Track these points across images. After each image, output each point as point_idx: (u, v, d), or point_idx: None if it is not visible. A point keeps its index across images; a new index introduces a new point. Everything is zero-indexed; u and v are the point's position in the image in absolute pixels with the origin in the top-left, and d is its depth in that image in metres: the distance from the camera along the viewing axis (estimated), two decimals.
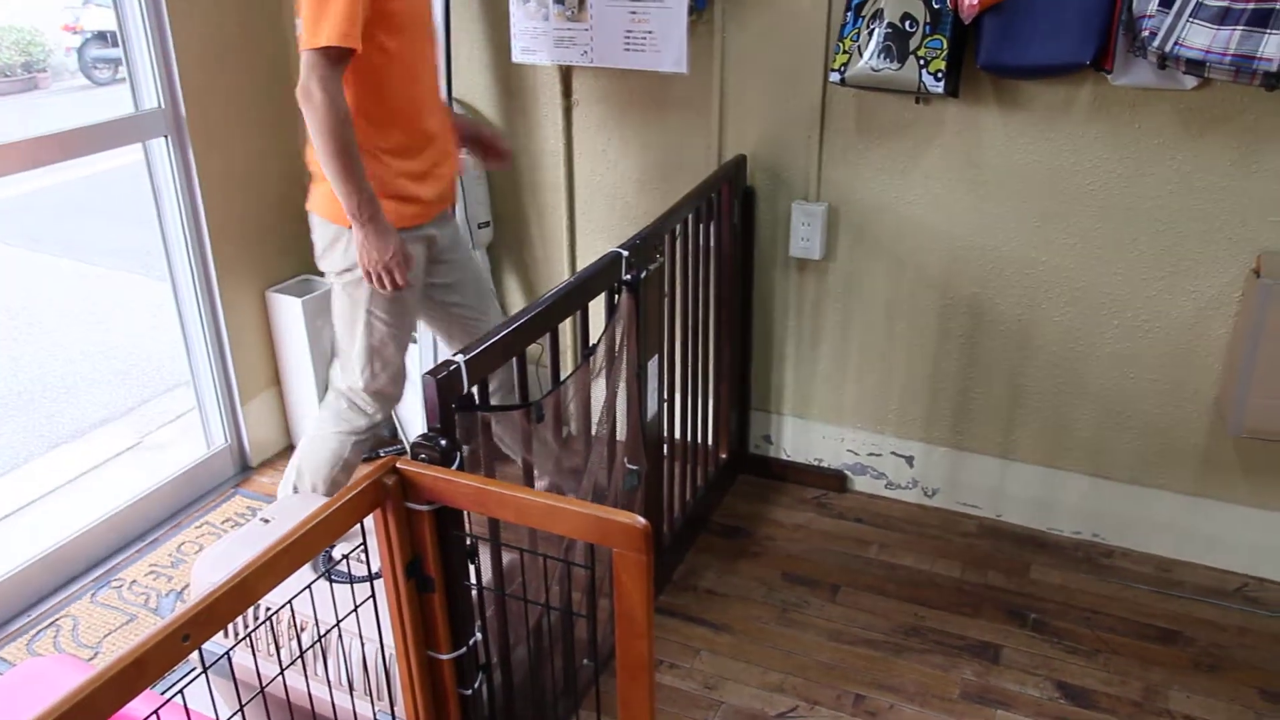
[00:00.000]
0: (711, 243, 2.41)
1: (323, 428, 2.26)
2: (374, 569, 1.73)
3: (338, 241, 2.11)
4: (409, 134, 2.07)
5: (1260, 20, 1.84)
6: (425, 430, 1.50)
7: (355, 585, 1.74)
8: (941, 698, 2.10)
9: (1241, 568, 2.48)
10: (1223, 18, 1.88)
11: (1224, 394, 2.29)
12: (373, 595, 1.53)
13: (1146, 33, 1.95)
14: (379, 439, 3.06)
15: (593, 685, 2.06)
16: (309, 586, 1.37)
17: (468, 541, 1.57)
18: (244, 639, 1.73)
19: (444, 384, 1.48)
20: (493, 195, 2.86)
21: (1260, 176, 2.12)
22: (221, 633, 1.89)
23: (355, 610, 1.50)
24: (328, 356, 2.92)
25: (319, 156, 1.91)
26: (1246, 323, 2.15)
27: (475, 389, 1.56)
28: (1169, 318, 2.31)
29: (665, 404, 2.22)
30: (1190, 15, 1.91)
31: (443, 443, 1.48)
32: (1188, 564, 2.51)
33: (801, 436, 2.78)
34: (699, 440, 2.57)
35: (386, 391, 2.24)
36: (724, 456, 2.75)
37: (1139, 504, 2.52)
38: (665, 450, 2.30)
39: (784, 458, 2.84)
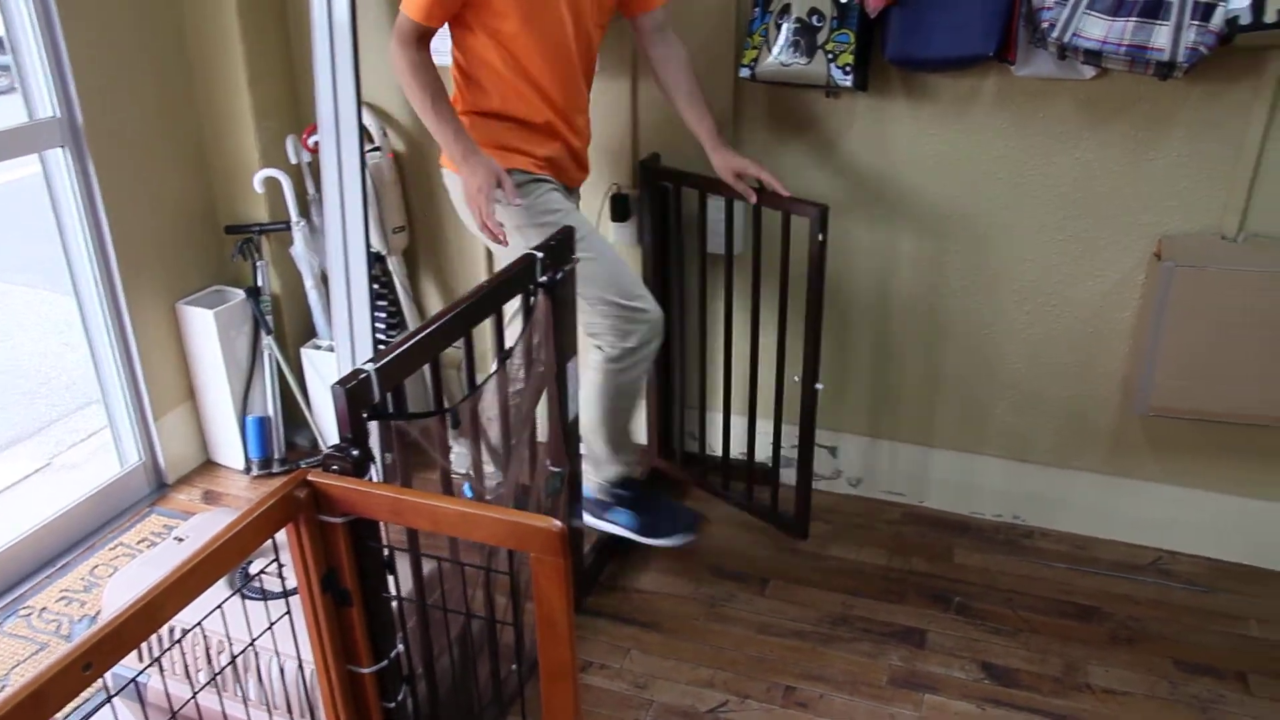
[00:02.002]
0: (630, 241, 2.40)
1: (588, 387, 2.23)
2: (292, 585, 1.70)
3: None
4: (517, 114, 2.10)
5: (1151, 12, 1.89)
6: (337, 441, 1.47)
7: (271, 602, 1.70)
8: (870, 685, 2.12)
9: (1154, 542, 2.55)
10: (1117, 9, 1.93)
11: (1131, 374, 2.35)
12: (288, 612, 1.50)
13: (1046, 24, 1.99)
14: (300, 452, 3.00)
15: (520, 692, 2.04)
16: (220, 606, 1.33)
17: (385, 552, 1.55)
18: (153, 664, 1.68)
19: (354, 393, 1.46)
20: (407, 198, 2.82)
21: (1158, 163, 2.18)
22: (137, 657, 1.84)
23: (271, 628, 1.46)
24: (244, 368, 2.85)
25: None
26: (1150, 305, 2.21)
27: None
28: (1077, 302, 2.37)
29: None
30: (1086, 7, 1.95)
31: (355, 453, 1.45)
32: (1104, 541, 2.58)
33: (730, 432, 2.79)
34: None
35: (638, 312, 2.14)
36: (654, 455, 2.75)
37: (1055, 485, 2.58)
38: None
39: (711, 454, 2.85)
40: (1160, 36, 1.90)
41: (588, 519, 2.39)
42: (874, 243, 2.45)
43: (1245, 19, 1.85)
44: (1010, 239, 2.35)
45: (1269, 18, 1.84)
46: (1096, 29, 1.94)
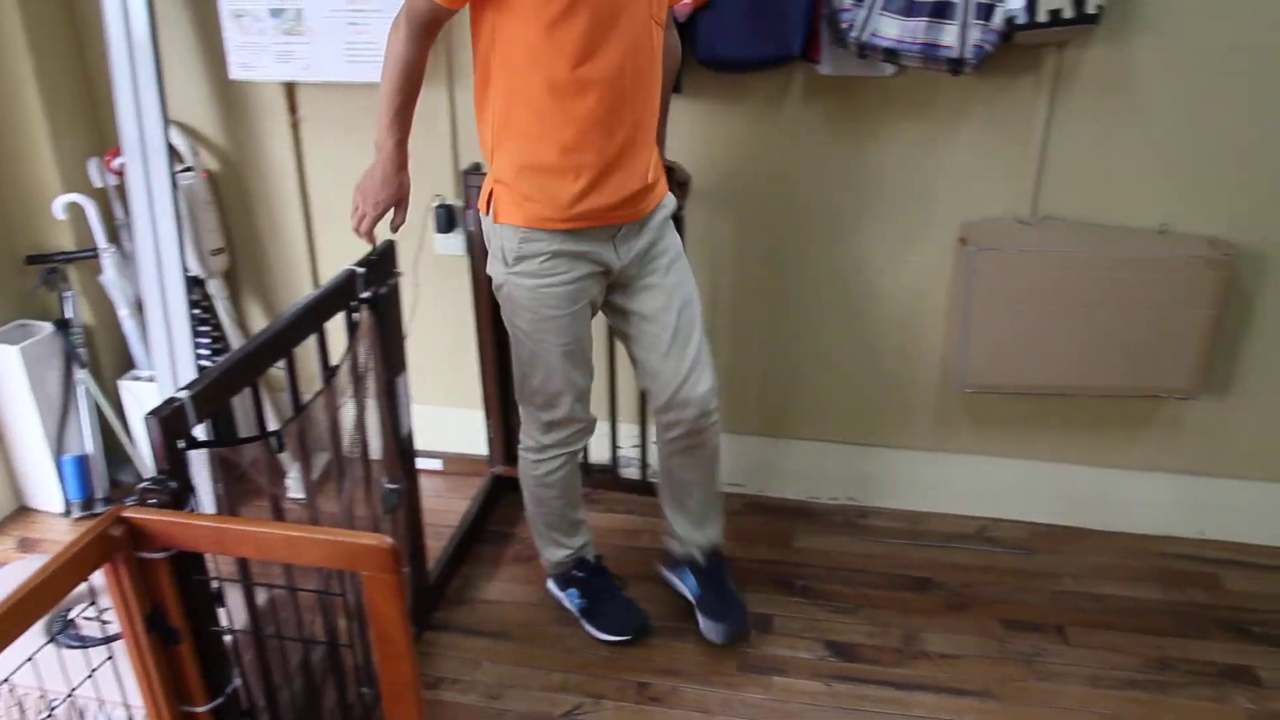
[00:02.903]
0: (458, 251, 2.39)
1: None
2: (115, 629, 1.62)
3: (491, 239, 1.92)
4: (540, 124, 1.76)
5: (939, 12, 2.01)
6: (153, 474, 1.42)
7: (94, 649, 1.62)
8: (720, 674, 2.17)
9: (979, 512, 2.69)
10: (909, 10, 2.03)
11: (948, 354, 2.48)
12: (110, 657, 1.43)
13: (845, 25, 2.08)
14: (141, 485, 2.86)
15: (371, 714, 2.00)
16: (31, 658, 1.26)
17: (213, 585, 1.50)
18: None
19: (168, 423, 1.40)
20: (225, 219, 2.73)
21: (958, 154, 2.31)
22: None
23: (92, 675, 1.39)
24: (57, 405, 2.70)
25: None
26: (959, 287, 2.34)
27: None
28: (894, 288, 2.48)
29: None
30: (881, 8, 2.05)
31: (172, 485, 1.40)
32: (934, 515, 2.71)
33: None
34: (465, 450, 2.54)
35: (560, 415, 2.05)
36: (493, 465, 2.73)
37: (887, 464, 2.69)
38: (428, 464, 2.27)
39: None
40: (949, 35, 2.01)
41: (548, 583, 2.36)
42: (696, 240, 2.51)
43: (1021, 19, 1.99)
44: (827, 231, 2.44)
45: (1041, 17, 1.98)
46: (892, 29, 2.04)
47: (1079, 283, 2.24)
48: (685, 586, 2.30)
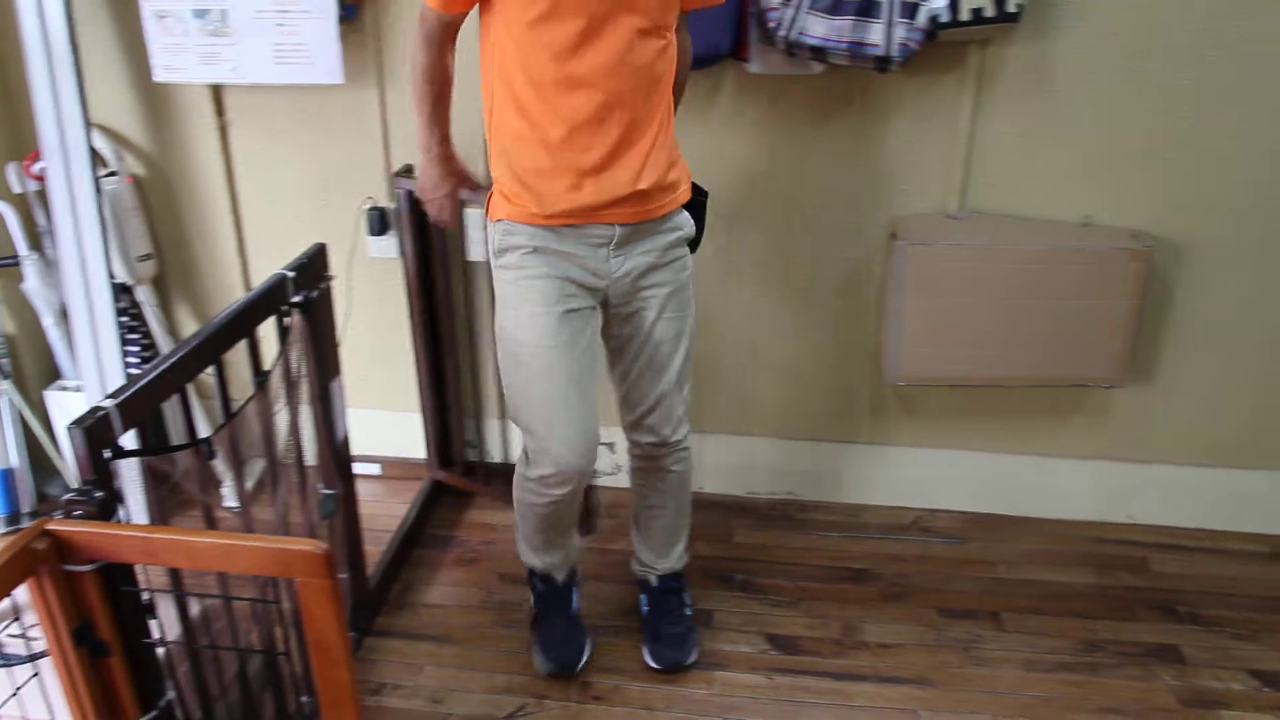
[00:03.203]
0: (392, 254, 2.37)
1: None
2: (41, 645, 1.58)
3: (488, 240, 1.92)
4: (527, 122, 1.74)
5: (865, 11, 2.03)
6: (79, 485, 1.39)
7: (16, 666, 1.59)
8: (663, 670, 2.18)
9: (915, 503, 2.74)
10: (835, 8, 2.06)
11: (881, 347, 2.51)
12: (36, 674, 1.40)
13: (773, 24, 2.10)
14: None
15: None
16: None
17: (144, 596, 1.47)
18: None
19: (92, 432, 1.38)
20: (152, 225, 2.67)
21: (887, 150, 2.34)
22: None
23: (16, 694, 1.36)
24: None
25: None
26: (891, 281, 2.37)
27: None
28: (829, 284, 2.51)
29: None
30: (808, 7, 2.07)
31: (99, 495, 1.37)
32: (871, 507, 2.75)
33: (506, 437, 2.79)
34: (404, 453, 2.53)
35: (539, 446, 1.91)
36: (431, 468, 2.72)
37: (824, 458, 2.72)
38: (364, 469, 2.25)
39: (491, 461, 2.84)
40: (875, 33, 2.04)
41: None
42: None
43: (944, 17, 2.02)
44: (762, 227, 2.47)
45: (963, 16, 2.02)
46: (819, 27, 2.07)
47: (1007, 275, 2.28)
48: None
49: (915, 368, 2.42)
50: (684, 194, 1.88)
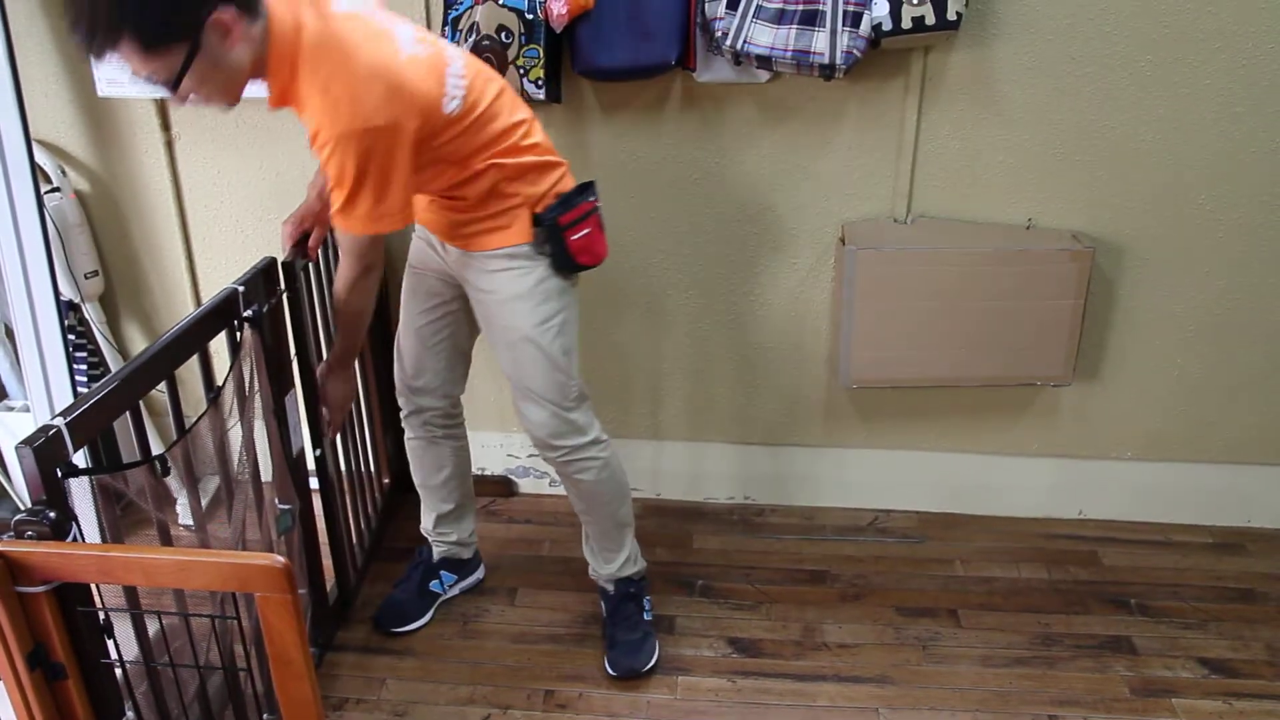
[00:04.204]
0: None
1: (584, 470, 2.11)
2: None
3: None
4: None
5: (809, 20, 2.07)
6: (30, 506, 1.37)
7: None
8: (624, 678, 2.18)
9: (871, 504, 2.77)
10: (779, 18, 2.09)
11: (833, 352, 2.55)
12: None
13: (719, 33, 2.13)
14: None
15: None
16: None
17: (100, 616, 1.45)
18: None
19: (43, 452, 1.35)
20: (99, 241, 2.64)
21: (833, 157, 2.38)
22: None
23: None
24: None
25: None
26: (841, 286, 2.40)
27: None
28: (779, 289, 2.54)
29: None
30: (753, 16, 2.10)
31: (51, 515, 1.35)
32: (827, 509, 2.78)
33: None
34: (361, 468, 2.51)
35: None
36: (387, 481, 2.70)
37: (780, 462, 2.75)
38: (322, 484, 2.23)
39: None
40: (819, 42, 2.07)
41: None
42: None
43: (886, 25, 2.06)
44: (712, 235, 2.49)
45: (905, 24, 2.06)
46: (764, 36, 2.10)
47: (954, 278, 2.33)
48: (601, 610, 2.33)
49: (867, 371, 2.45)
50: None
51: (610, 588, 2.27)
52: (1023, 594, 2.44)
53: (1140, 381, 2.55)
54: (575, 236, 1.92)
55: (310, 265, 2.14)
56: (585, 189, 1.96)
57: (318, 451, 2.17)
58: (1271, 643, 2.28)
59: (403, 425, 2.29)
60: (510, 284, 1.93)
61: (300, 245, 2.06)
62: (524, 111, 1.91)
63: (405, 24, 1.75)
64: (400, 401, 2.25)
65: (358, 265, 1.85)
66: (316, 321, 2.18)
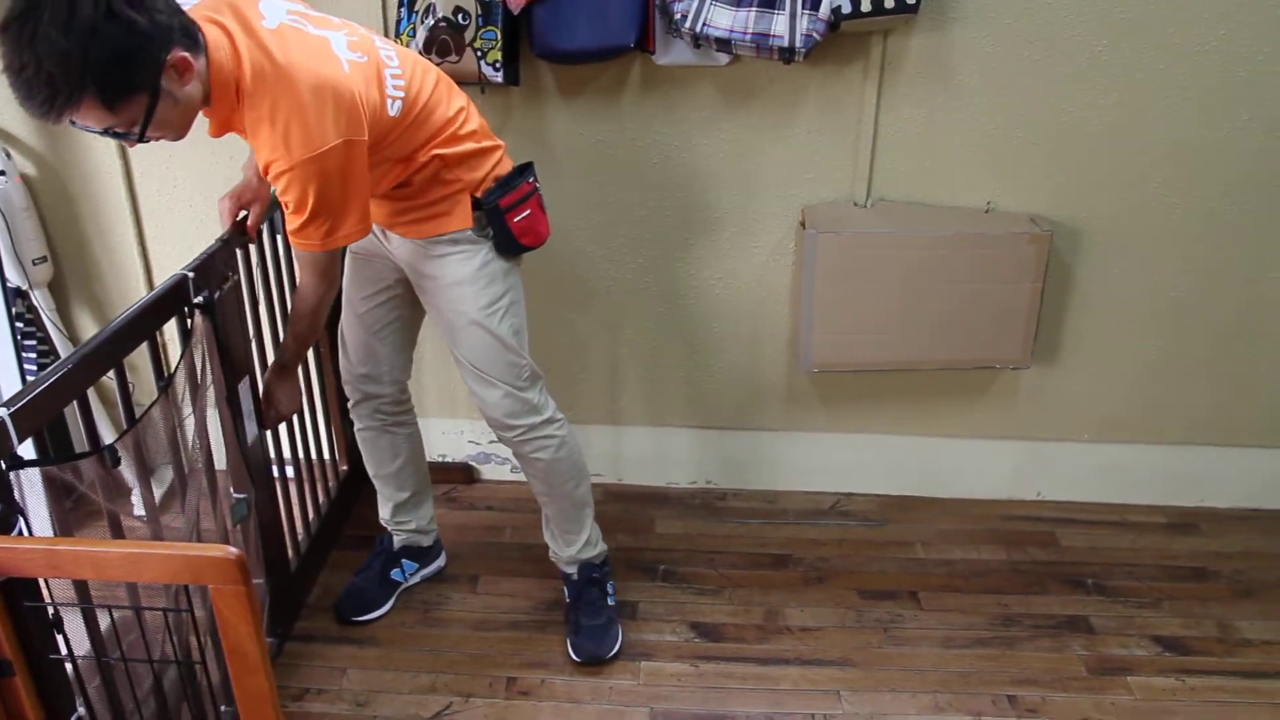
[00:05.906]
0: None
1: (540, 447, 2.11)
2: None
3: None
4: None
5: (769, 3, 2.06)
6: None
7: None
8: (588, 663, 2.18)
9: (832, 487, 2.78)
10: (739, 0, 2.07)
11: (794, 335, 2.55)
12: None
13: (678, 15, 2.11)
14: None
15: None
16: None
17: (49, 611, 1.42)
18: None
19: None
20: (46, 226, 2.58)
21: (792, 140, 2.37)
22: None
23: None
24: None
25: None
26: (801, 270, 2.40)
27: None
28: (739, 274, 2.53)
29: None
30: None
31: None
32: (789, 493, 2.78)
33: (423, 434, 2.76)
34: (316, 455, 2.48)
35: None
36: (345, 468, 2.67)
37: (742, 446, 2.75)
38: (278, 472, 2.20)
39: None
40: (779, 24, 2.06)
41: None
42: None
43: (846, 8, 2.06)
44: (672, 219, 2.48)
45: (865, 7, 2.06)
46: (723, 19, 2.08)
47: (913, 261, 2.33)
48: (564, 595, 2.32)
49: (827, 354, 2.46)
50: None
51: (574, 572, 2.26)
52: (982, 575, 2.46)
53: (1097, 364, 2.58)
54: (517, 219, 1.92)
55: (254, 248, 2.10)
56: (524, 170, 1.95)
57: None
58: (1222, 620, 2.32)
59: (351, 416, 2.27)
60: (454, 269, 1.93)
61: (240, 224, 2.01)
62: (461, 98, 1.90)
63: (336, 24, 1.73)
64: (347, 391, 2.23)
65: (321, 280, 1.85)
66: (259, 309, 2.14)
